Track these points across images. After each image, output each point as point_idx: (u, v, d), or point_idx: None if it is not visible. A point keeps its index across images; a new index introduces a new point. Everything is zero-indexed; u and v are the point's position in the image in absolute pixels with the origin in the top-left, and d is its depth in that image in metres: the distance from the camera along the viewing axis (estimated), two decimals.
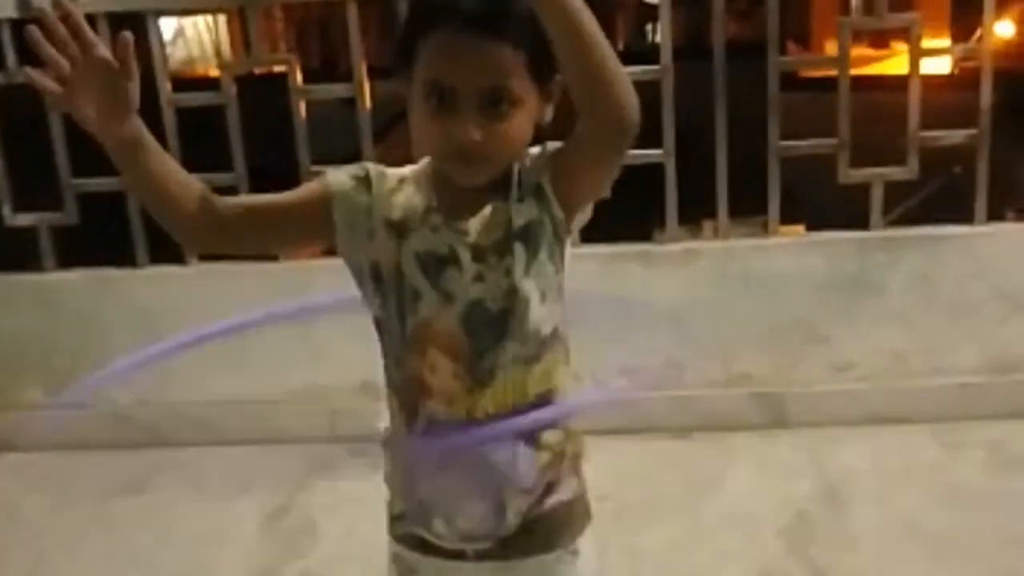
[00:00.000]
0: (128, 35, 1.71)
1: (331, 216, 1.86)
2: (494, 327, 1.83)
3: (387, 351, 1.93)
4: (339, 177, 1.89)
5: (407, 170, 1.93)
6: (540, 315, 1.84)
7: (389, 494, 2.03)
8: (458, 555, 1.97)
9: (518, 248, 1.82)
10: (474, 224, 1.83)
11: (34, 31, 1.68)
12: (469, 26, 1.70)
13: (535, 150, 1.86)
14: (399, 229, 1.85)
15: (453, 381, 1.85)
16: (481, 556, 1.96)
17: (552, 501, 1.95)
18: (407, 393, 1.91)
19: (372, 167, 1.92)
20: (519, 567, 1.98)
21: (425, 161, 1.91)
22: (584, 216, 1.91)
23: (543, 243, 1.83)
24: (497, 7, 1.72)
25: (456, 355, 1.84)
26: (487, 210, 1.83)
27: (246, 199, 1.96)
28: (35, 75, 1.70)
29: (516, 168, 1.84)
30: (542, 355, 1.87)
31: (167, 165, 1.81)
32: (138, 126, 1.76)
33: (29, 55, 1.71)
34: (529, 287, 1.82)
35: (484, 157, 1.77)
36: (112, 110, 1.73)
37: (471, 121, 1.73)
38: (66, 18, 1.68)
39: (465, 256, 1.82)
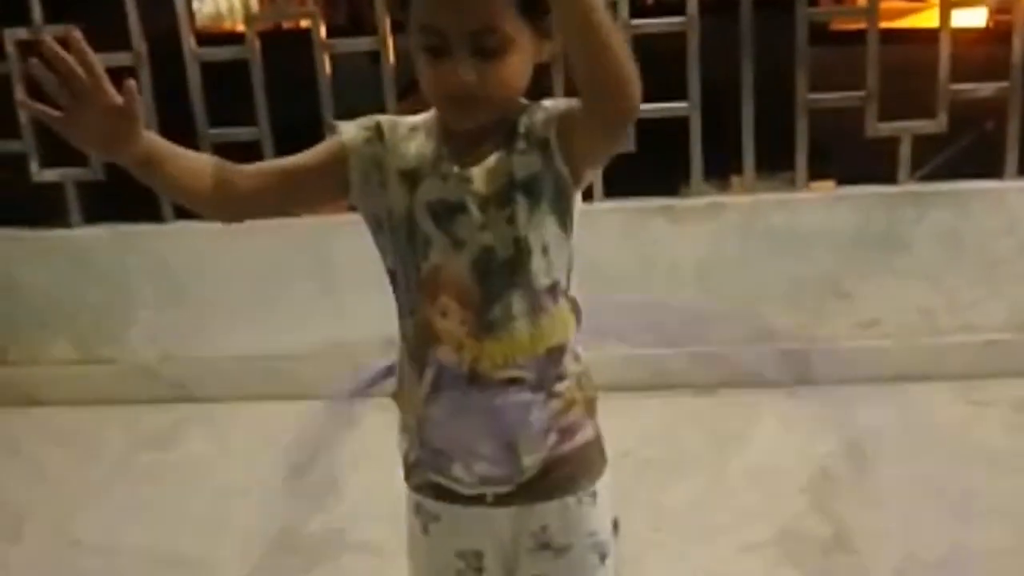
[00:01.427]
0: (132, 83, 1.67)
1: (347, 171, 1.88)
2: (503, 274, 1.84)
3: (400, 301, 1.95)
4: (351, 131, 1.90)
5: (418, 118, 1.93)
6: (540, 266, 1.85)
7: (404, 444, 2.05)
8: (478, 500, 1.98)
9: (520, 198, 1.82)
10: (478, 172, 1.84)
11: (37, 63, 1.64)
12: None
13: (548, 103, 1.86)
14: (411, 178, 1.87)
15: (461, 327, 1.87)
16: (501, 501, 1.98)
17: (569, 446, 1.96)
18: (417, 341, 1.93)
19: (383, 118, 1.93)
20: (539, 510, 1.99)
21: (435, 110, 1.92)
22: (586, 179, 1.90)
23: (545, 196, 1.83)
24: None
25: (466, 301, 1.86)
26: (491, 160, 1.84)
27: (263, 165, 1.96)
28: (30, 104, 1.67)
29: (523, 120, 1.84)
30: (545, 307, 1.88)
31: (181, 164, 1.81)
32: (146, 144, 1.74)
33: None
34: (532, 237, 1.83)
35: (479, 99, 1.76)
36: (115, 140, 1.70)
37: (463, 63, 1.73)
38: (75, 50, 1.63)
39: (472, 204, 1.83)
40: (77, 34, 1.62)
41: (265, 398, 4.33)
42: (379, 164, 1.88)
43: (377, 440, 3.98)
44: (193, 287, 4.48)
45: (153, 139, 1.76)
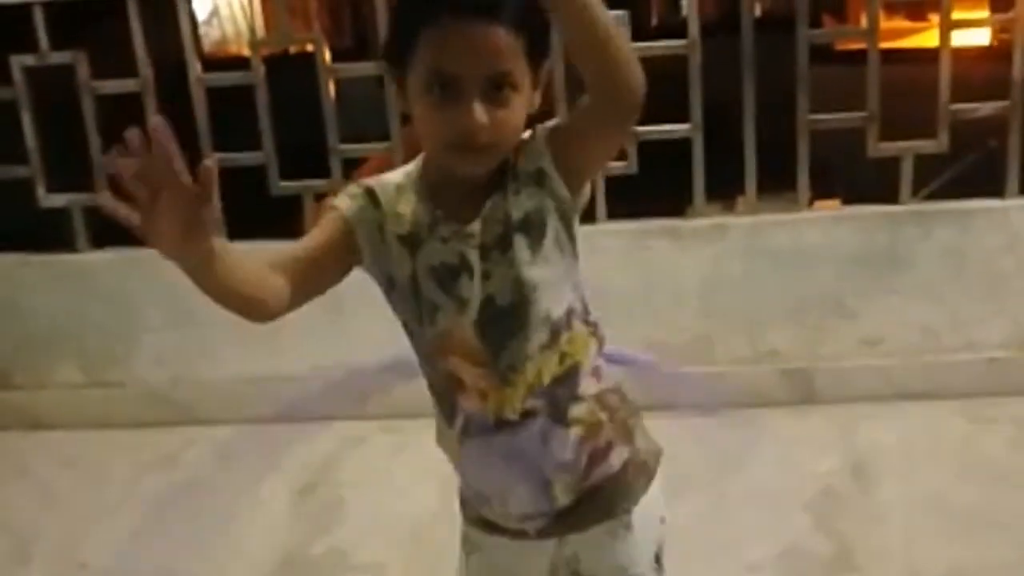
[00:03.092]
0: (211, 164, 1.57)
1: (356, 241, 1.87)
2: (507, 322, 1.85)
3: (417, 351, 1.96)
4: (348, 203, 1.89)
5: (399, 176, 1.92)
6: (549, 300, 1.86)
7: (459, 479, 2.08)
8: (521, 534, 2.01)
9: (519, 239, 1.83)
10: (477, 225, 1.84)
11: (117, 159, 1.52)
12: (469, 13, 1.71)
13: (525, 135, 1.87)
14: (410, 242, 1.87)
15: (481, 380, 1.88)
16: (543, 533, 2.00)
17: (601, 472, 1.97)
18: (442, 390, 1.95)
19: (370, 182, 1.92)
20: (578, 540, 2.02)
21: (416, 165, 1.92)
22: (583, 198, 1.91)
23: (548, 229, 1.85)
24: None
25: (476, 360, 1.88)
26: (487, 207, 1.84)
27: (281, 257, 1.85)
28: (110, 204, 1.54)
29: (509, 160, 1.85)
30: (559, 337, 1.88)
31: (233, 265, 1.71)
32: (211, 247, 1.64)
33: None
34: (535, 275, 1.84)
35: (488, 144, 1.76)
36: (189, 234, 1.59)
37: (477, 105, 1.72)
38: (157, 140, 1.53)
39: (474, 258, 1.84)
40: (159, 122, 1.53)
41: (271, 421, 4.34)
42: (380, 229, 1.88)
43: (383, 461, 4.03)
44: (199, 310, 4.42)
45: (217, 239, 1.65)
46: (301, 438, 4.26)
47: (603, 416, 1.96)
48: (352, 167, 4.51)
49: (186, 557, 3.63)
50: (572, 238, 1.88)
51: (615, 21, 1.66)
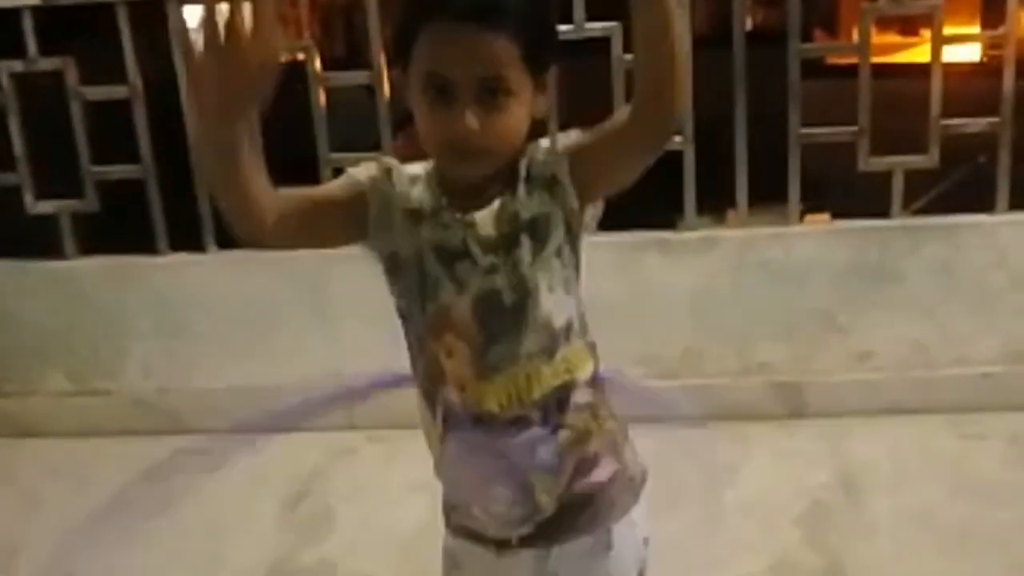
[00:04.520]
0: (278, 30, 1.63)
1: (367, 209, 1.87)
2: (509, 318, 1.85)
3: (410, 340, 1.95)
4: (365, 172, 1.89)
5: (417, 168, 1.93)
6: (549, 306, 1.85)
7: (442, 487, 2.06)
8: (504, 543, 1.98)
9: (524, 240, 1.83)
10: (482, 216, 1.84)
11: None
12: (466, 17, 1.71)
13: (545, 142, 1.88)
14: (415, 217, 1.87)
15: (467, 368, 1.87)
16: (525, 542, 1.97)
17: (586, 482, 1.95)
18: (427, 379, 1.93)
19: (390, 160, 1.93)
20: (558, 559, 1.99)
21: (432, 161, 1.92)
22: (596, 211, 1.92)
23: (551, 236, 1.84)
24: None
25: (470, 342, 1.86)
26: (495, 204, 1.85)
27: (297, 192, 1.87)
28: (188, 40, 1.62)
29: (524, 162, 1.85)
30: (557, 347, 1.88)
31: (251, 161, 1.71)
32: (247, 128, 1.66)
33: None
34: (536, 278, 1.84)
35: (481, 149, 1.77)
36: (233, 104, 1.64)
37: (467, 111, 1.73)
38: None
39: (476, 249, 1.84)
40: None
41: (260, 430, 4.32)
42: (388, 203, 1.88)
43: (372, 472, 4.02)
44: (188, 319, 4.48)
45: (253, 127, 1.68)
46: (289, 448, 4.24)
47: (593, 426, 1.94)
48: None
49: (174, 567, 3.62)
50: (575, 252, 1.88)
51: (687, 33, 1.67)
